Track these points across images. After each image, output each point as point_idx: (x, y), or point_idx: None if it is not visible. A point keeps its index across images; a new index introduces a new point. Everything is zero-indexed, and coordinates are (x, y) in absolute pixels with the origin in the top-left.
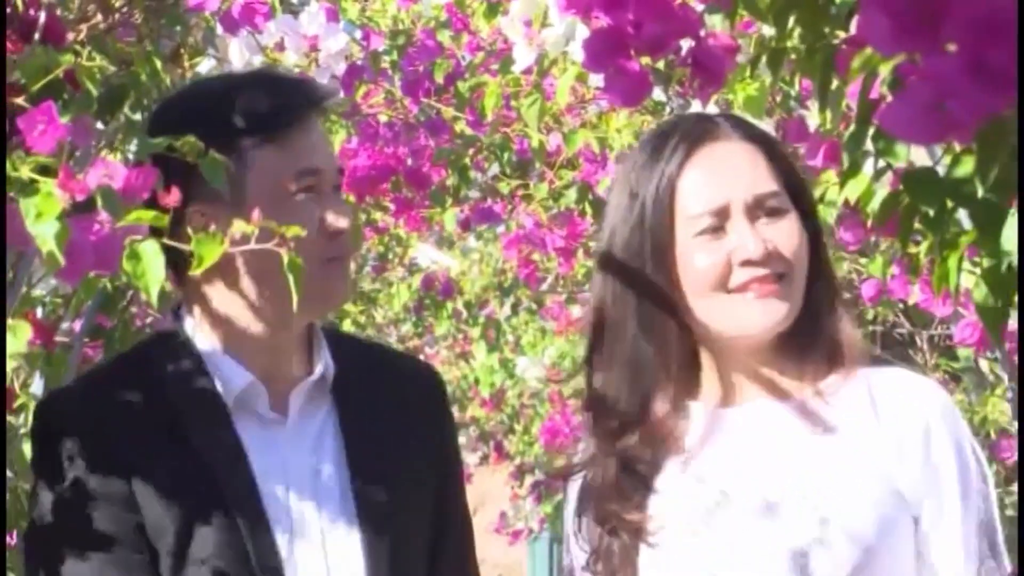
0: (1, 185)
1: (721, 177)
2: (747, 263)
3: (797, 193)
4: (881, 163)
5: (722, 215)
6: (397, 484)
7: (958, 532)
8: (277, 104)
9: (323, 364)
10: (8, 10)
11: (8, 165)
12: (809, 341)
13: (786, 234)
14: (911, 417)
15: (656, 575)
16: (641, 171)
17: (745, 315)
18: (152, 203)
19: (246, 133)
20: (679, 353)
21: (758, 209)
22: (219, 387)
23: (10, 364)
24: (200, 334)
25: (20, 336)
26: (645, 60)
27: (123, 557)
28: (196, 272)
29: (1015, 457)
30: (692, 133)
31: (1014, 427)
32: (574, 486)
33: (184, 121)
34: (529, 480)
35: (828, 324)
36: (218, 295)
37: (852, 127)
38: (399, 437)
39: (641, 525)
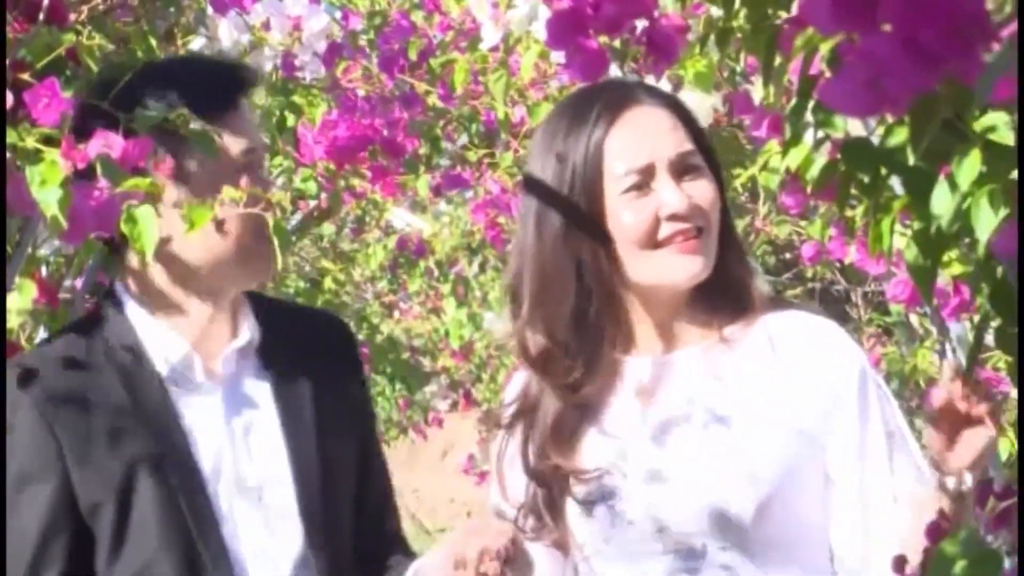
0: (1, 160)
1: (645, 138)
2: (673, 217)
3: (708, 155)
4: (820, 134)
5: (647, 173)
6: (325, 436)
7: (860, 441)
8: (218, 87)
9: (248, 329)
10: None
11: (15, 136)
12: (720, 292)
13: (705, 192)
14: (807, 351)
15: (581, 520)
16: (567, 136)
17: (670, 267)
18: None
19: (192, 113)
20: (616, 302)
21: (680, 167)
22: (153, 357)
23: (17, 319)
24: (137, 306)
25: (26, 294)
26: (603, 39)
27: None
28: (189, 233)
29: None
30: (614, 99)
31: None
32: (503, 435)
33: (134, 101)
34: None
35: (736, 276)
36: (154, 269)
37: (793, 101)
38: (323, 391)
39: (573, 472)
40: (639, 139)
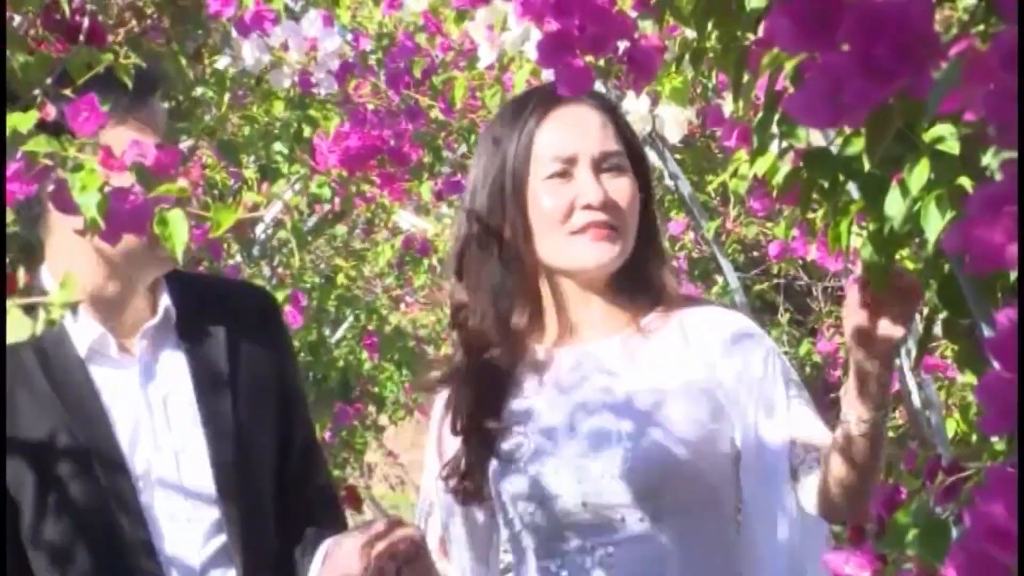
0: (1, 159)
1: (573, 131)
2: (587, 207)
3: (636, 159)
4: (784, 144)
5: (570, 163)
6: (239, 402)
7: (773, 393)
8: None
9: (163, 307)
10: (56, 16)
11: (57, 146)
12: (637, 287)
13: (623, 190)
14: (714, 333)
15: (505, 486)
16: (504, 127)
17: (579, 253)
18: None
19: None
20: (532, 282)
21: (603, 164)
22: (73, 338)
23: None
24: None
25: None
26: (588, 58)
27: None
28: (215, 235)
29: (896, 387)
30: (551, 96)
31: (896, 363)
32: (440, 399)
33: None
34: None
35: (654, 273)
36: (72, 258)
37: (760, 114)
38: (238, 359)
39: (496, 434)
40: (567, 131)
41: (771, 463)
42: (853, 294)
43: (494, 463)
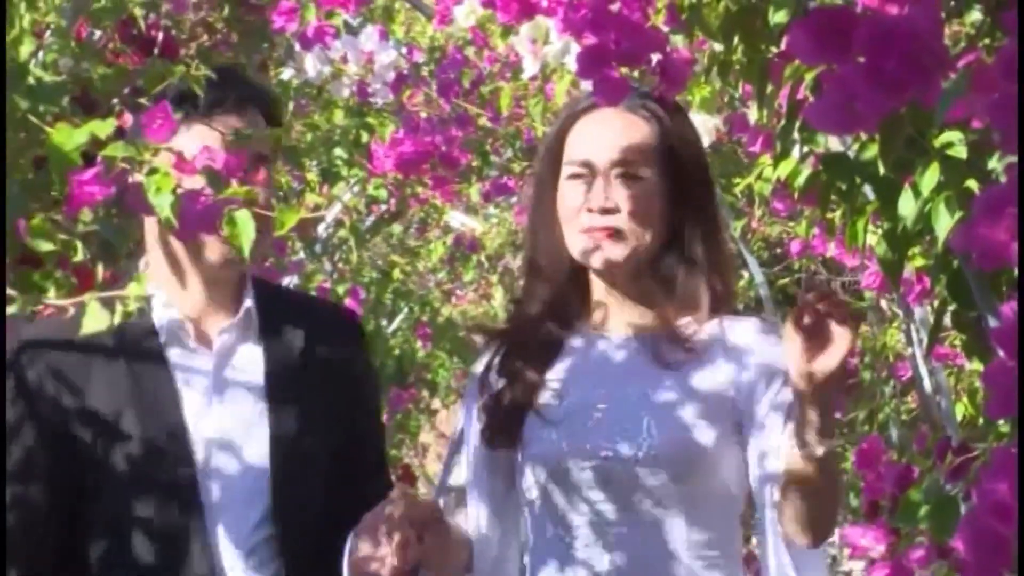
0: (1, 156)
1: (595, 137)
2: (590, 211)
3: (677, 169)
4: (805, 149)
5: (588, 167)
6: (304, 408)
7: (775, 420)
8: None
9: (245, 308)
10: (133, 31)
11: (133, 151)
12: (662, 288)
13: (632, 198)
14: (739, 349)
15: (533, 442)
16: (552, 126)
17: (586, 251)
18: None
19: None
20: (564, 268)
21: (616, 171)
22: (155, 322)
23: (135, 304)
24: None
25: (142, 283)
26: (624, 70)
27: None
28: (279, 233)
29: (909, 374)
30: (590, 101)
31: (907, 351)
32: (489, 350)
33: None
34: None
35: (678, 276)
36: (159, 253)
37: (783, 121)
38: (314, 363)
39: (536, 386)
40: (588, 138)
41: (763, 483)
42: (790, 323)
43: (530, 415)
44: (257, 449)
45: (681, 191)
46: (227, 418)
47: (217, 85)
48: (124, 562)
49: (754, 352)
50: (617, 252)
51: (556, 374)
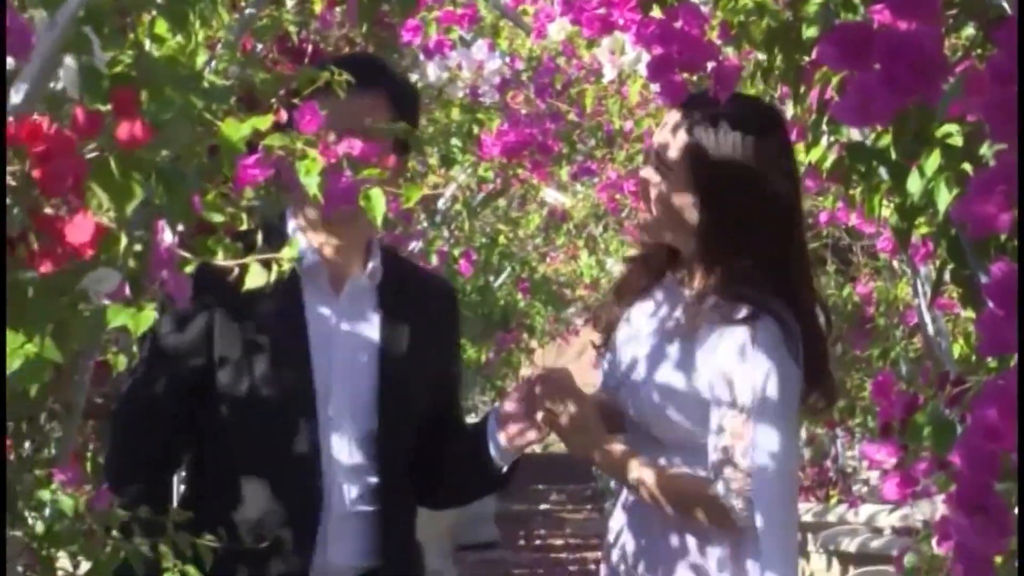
0: (1, 151)
1: (661, 128)
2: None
3: (693, 165)
4: (832, 138)
5: (650, 150)
6: (409, 361)
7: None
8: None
9: (372, 266)
10: (288, 44)
11: (288, 140)
12: (702, 272)
13: (646, 181)
14: (764, 364)
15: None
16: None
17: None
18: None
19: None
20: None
21: (654, 159)
22: (297, 264)
23: (288, 265)
24: (297, 230)
25: (295, 246)
26: (684, 75)
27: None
28: (406, 206)
29: (915, 320)
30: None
31: (914, 302)
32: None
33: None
34: None
35: (694, 261)
36: (308, 212)
37: (813, 116)
38: (418, 329)
39: (613, 323)
40: (661, 126)
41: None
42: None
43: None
44: (367, 383)
45: (714, 196)
46: (343, 352)
47: (366, 72)
48: (239, 432)
49: (749, 353)
50: (638, 230)
51: (619, 333)
